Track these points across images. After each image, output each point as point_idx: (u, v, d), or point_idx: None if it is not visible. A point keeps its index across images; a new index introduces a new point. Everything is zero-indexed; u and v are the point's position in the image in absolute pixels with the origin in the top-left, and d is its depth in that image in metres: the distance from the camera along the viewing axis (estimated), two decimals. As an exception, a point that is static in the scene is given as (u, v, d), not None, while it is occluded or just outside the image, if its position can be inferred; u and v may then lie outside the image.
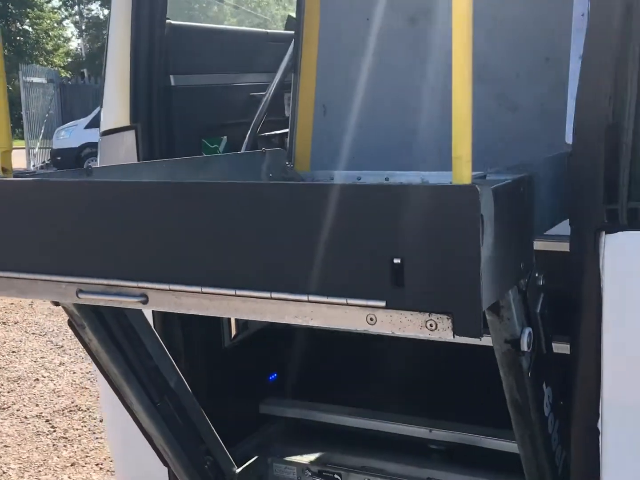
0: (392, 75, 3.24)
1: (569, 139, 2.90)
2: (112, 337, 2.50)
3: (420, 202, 1.45)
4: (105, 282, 1.80)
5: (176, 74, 3.21)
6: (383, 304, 1.50)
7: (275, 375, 3.68)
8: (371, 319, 1.53)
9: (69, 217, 1.85)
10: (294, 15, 3.61)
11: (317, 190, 1.59)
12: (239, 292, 1.65)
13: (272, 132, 3.59)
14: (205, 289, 1.69)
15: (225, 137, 3.51)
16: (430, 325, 1.46)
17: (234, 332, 3.35)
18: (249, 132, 3.48)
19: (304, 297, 1.58)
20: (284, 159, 3.36)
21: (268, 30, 4.00)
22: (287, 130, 3.52)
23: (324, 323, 1.60)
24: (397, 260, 1.46)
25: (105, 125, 3.13)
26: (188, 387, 2.71)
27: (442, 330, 1.45)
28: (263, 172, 3.22)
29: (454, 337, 1.44)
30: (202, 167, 2.92)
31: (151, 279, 1.75)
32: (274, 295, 1.61)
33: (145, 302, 1.77)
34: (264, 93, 3.62)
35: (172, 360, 2.66)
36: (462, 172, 1.58)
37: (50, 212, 1.87)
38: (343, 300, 1.54)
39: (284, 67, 3.66)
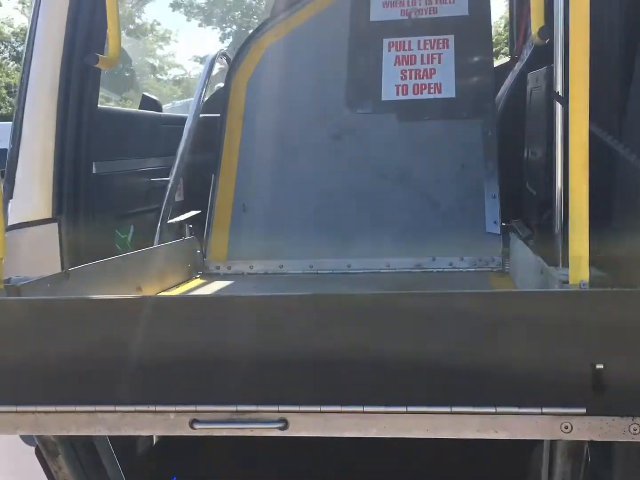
0: (313, 178, 3.34)
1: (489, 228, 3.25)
2: (82, 466, 2.19)
3: (626, 305, 1.48)
4: (229, 408, 1.54)
5: (98, 160, 2.90)
6: (583, 410, 1.49)
7: None
8: (566, 427, 1.51)
9: (175, 335, 1.57)
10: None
11: (512, 298, 1.55)
12: (411, 409, 1.53)
13: (179, 218, 3.37)
14: (368, 408, 1.53)
15: (132, 225, 3.24)
16: (634, 430, 1.49)
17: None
18: (160, 221, 3.23)
19: (491, 409, 1.51)
20: (198, 247, 3.23)
21: (161, 113, 3.79)
22: (191, 213, 3.41)
23: (509, 435, 1.54)
24: (599, 366, 1.47)
25: (18, 217, 2.70)
26: None
27: (647, 433, 1.48)
28: (180, 261, 3.10)
29: (660, 439, 1.48)
30: (144, 260, 2.70)
31: (294, 402, 1.54)
32: (455, 409, 1.52)
33: (283, 428, 1.55)
34: (165, 179, 3.40)
35: None
36: (581, 271, 1.67)
37: (149, 333, 1.57)
38: (537, 410, 1.50)
39: (181, 151, 3.48)
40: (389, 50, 3.43)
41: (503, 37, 28.02)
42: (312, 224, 3.28)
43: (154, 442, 3.06)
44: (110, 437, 2.31)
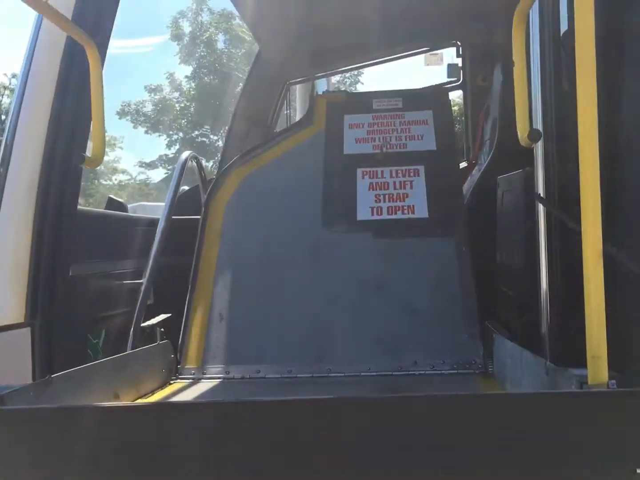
0: (291, 288, 3.36)
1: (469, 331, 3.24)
2: None
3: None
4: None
5: (75, 262, 2.81)
6: (624, 517, 1.42)
7: None
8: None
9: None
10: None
11: (554, 398, 1.50)
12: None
13: (151, 322, 3.25)
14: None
15: (103, 330, 3.10)
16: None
17: None
18: (133, 325, 3.11)
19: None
20: (172, 351, 3.14)
21: (133, 215, 3.72)
22: (162, 317, 3.38)
23: None
24: None
25: (-11, 321, 2.56)
26: None
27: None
28: (155, 366, 3.01)
29: None
30: (121, 365, 2.59)
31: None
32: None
33: None
34: (138, 281, 3.30)
35: None
36: (601, 372, 1.64)
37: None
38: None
39: (154, 253, 3.41)
40: (363, 178, 3.65)
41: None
42: (291, 331, 3.27)
43: None
44: None
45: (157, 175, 38.42)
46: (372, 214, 3.53)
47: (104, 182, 37.34)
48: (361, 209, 3.54)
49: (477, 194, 4.76)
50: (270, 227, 3.53)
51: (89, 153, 2.67)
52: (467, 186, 5.27)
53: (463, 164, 6.05)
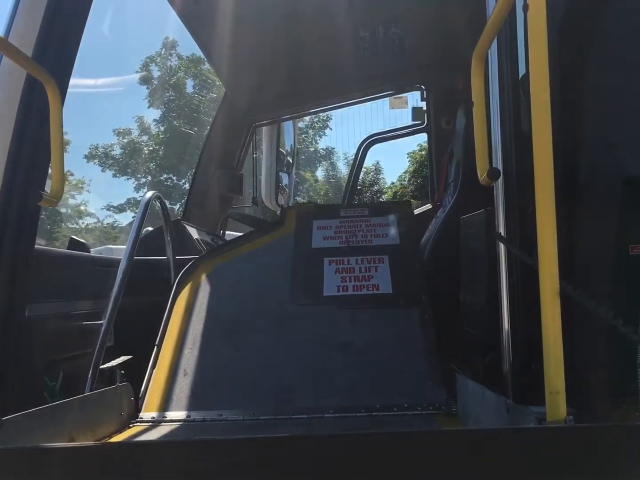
0: (256, 349, 3.48)
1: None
2: None
3: (626, 440, 1.43)
4: None
5: (31, 303, 2.75)
6: None
7: None
8: None
9: None
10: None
11: (509, 434, 1.48)
12: None
13: (110, 364, 3.18)
14: None
15: (61, 373, 3.03)
16: None
17: None
18: (92, 367, 3.03)
19: None
20: (132, 394, 3.08)
21: (94, 255, 3.66)
22: (122, 359, 3.29)
23: None
24: (601, 508, 1.40)
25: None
26: None
27: None
28: (114, 409, 2.95)
29: None
30: (77, 408, 2.53)
31: None
32: None
33: None
34: (98, 322, 3.23)
35: None
36: (560, 407, 1.64)
37: None
38: None
39: (115, 294, 3.35)
40: (330, 264, 3.90)
41: (408, 189, 29.71)
42: (255, 382, 3.30)
43: None
44: None
45: (125, 218, 38.17)
46: (338, 291, 3.72)
47: (70, 225, 36.96)
48: (327, 287, 3.75)
49: (441, 235, 4.79)
50: (238, 303, 3.72)
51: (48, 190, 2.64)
52: (432, 227, 5.31)
53: (427, 206, 6.10)
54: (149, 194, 3.93)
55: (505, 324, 2.81)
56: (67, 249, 4.16)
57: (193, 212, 5.88)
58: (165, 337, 3.45)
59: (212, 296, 3.77)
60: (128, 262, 3.46)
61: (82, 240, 4.24)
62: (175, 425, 3.04)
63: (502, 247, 2.82)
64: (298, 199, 34.89)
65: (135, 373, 3.32)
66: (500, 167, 2.73)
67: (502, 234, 2.79)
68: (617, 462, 1.43)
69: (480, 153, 2.48)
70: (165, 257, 4.18)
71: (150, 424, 3.05)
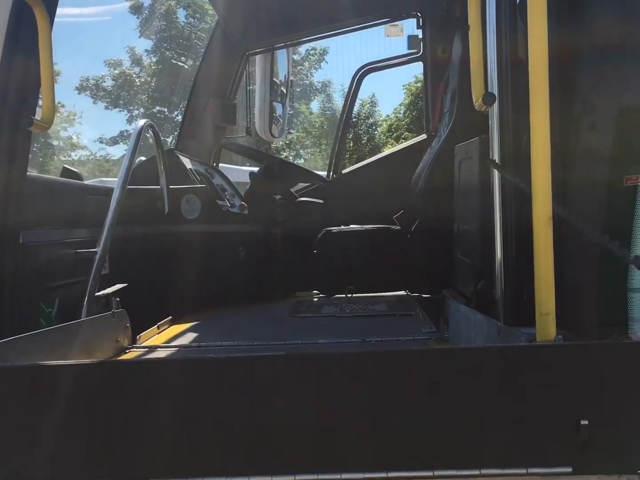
0: None
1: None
2: None
3: (609, 358, 1.46)
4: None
5: (25, 229, 2.74)
6: (569, 469, 1.45)
7: None
8: (551, 488, 1.46)
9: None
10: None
11: (498, 352, 1.51)
12: (391, 474, 1.44)
13: (106, 291, 3.20)
14: (345, 475, 1.43)
15: (57, 299, 3.05)
16: (621, 487, 1.45)
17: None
18: (87, 294, 3.06)
19: (475, 472, 1.44)
20: (127, 321, 3.11)
21: (87, 183, 3.64)
22: (118, 287, 3.29)
23: (492, 499, 1.47)
24: (584, 422, 1.44)
25: None
26: None
27: (631, 490, 1.45)
28: (110, 335, 3.02)
29: (644, 496, 1.45)
30: (72, 333, 2.56)
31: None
32: (437, 473, 1.44)
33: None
34: (92, 250, 3.24)
35: None
36: (549, 328, 1.67)
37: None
38: (522, 471, 1.44)
39: (109, 222, 3.35)
40: None
41: (403, 122, 29.43)
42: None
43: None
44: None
45: (118, 151, 37.84)
46: None
47: (63, 158, 36.65)
48: None
49: (436, 165, 4.78)
50: None
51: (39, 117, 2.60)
52: (426, 157, 5.29)
53: (422, 137, 6.06)
54: (142, 122, 3.89)
55: (498, 251, 2.83)
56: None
57: (186, 143, 5.82)
58: None
59: None
60: (121, 190, 3.45)
61: (75, 169, 4.20)
62: (172, 350, 3.09)
63: (496, 174, 2.82)
64: (293, 131, 34.59)
65: (131, 301, 3.35)
66: (495, 93, 2.71)
67: (496, 161, 2.79)
68: (604, 379, 1.46)
69: (475, 77, 2.45)
70: (159, 187, 4.16)
71: (147, 349, 3.10)
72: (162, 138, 5.57)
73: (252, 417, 1.49)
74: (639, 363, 1.44)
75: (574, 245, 2.34)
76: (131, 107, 36.77)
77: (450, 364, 1.49)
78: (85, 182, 4.04)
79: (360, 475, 1.43)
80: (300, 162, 34.43)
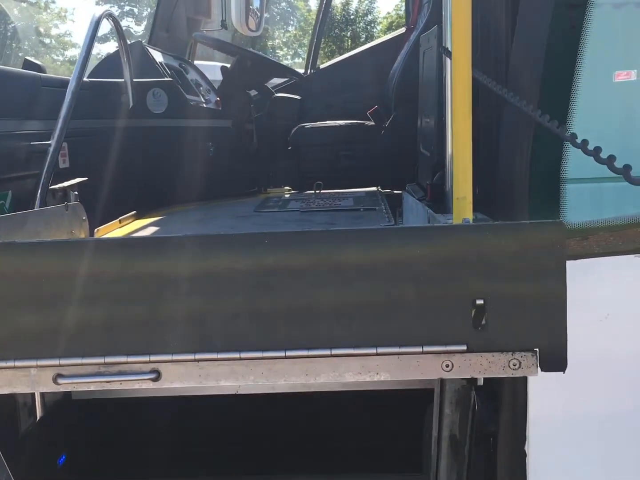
0: None
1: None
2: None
3: (504, 240, 1.46)
4: (96, 361, 1.44)
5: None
6: (464, 347, 1.47)
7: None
8: (447, 366, 1.49)
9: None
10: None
11: (391, 233, 1.51)
12: (289, 353, 1.47)
13: (62, 185, 3.18)
14: (244, 354, 1.46)
15: (10, 191, 3.03)
16: (514, 365, 1.48)
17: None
18: (40, 186, 3.04)
19: (372, 350, 1.47)
20: (83, 214, 3.10)
21: (41, 74, 3.56)
22: (77, 180, 3.25)
23: (390, 376, 1.50)
24: (479, 302, 1.45)
25: None
26: None
27: (526, 368, 1.48)
28: (65, 227, 2.94)
29: (538, 373, 1.48)
30: (19, 224, 2.54)
31: (166, 351, 1.45)
32: (335, 352, 1.47)
33: (156, 379, 1.46)
34: (46, 142, 3.20)
35: None
36: (465, 212, 1.67)
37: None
38: (418, 349, 1.47)
39: (63, 114, 3.29)
40: None
41: (404, 20, 28.60)
42: None
43: (37, 418, 2.89)
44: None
45: (110, 49, 36.92)
46: None
47: (55, 57, 35.89)
48: None
49: (409, 58, 4.67)
50: None
51: None
52: (404, 52, 5.16)
53: (401, 30, 5.90)
54: (100, 11, 3.76)
55: (449, 144, 2.80)
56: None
57: (160, 36, 5.67)
58: None
59: None
60: (77, 82, 3.37)
61: (37, 62, 4.10)
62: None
63: (448, 63, 2.75)
64: (290, 28, 33.66)
65: (92, 196, 3.35)
66: None
67: (449, 49, 2.71)
68: (500, 260, 1.47)
69: None
70: (123, 80, 4.07)
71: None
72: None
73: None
74: (533, 244, 1.44)
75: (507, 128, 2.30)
76: (122, 3, 35.71)
77: (353, 245, 1.50)
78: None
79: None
80: (298, 61, 33.66)
